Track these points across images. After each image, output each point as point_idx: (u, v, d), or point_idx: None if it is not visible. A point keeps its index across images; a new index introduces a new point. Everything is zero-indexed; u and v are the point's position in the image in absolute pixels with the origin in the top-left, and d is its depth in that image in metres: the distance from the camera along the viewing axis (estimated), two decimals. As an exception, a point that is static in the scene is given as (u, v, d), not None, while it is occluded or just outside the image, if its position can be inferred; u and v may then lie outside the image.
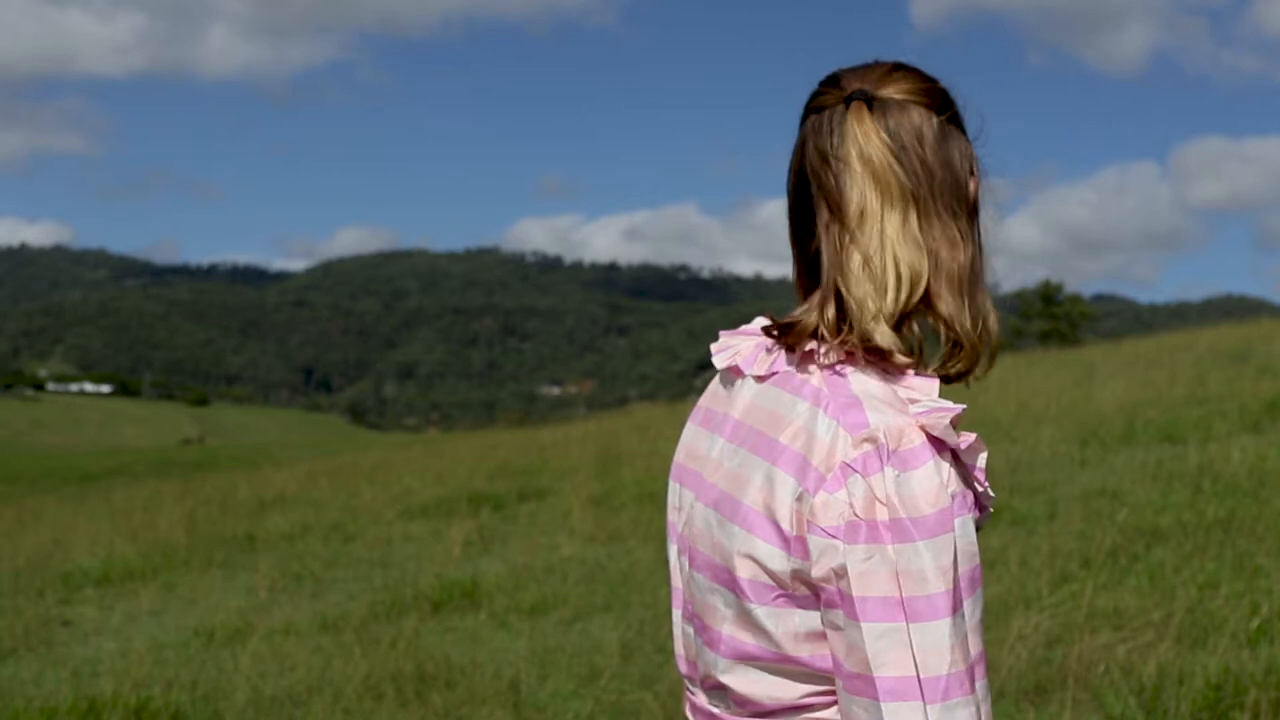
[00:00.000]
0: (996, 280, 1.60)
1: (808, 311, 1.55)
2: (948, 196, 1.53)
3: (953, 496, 1.40)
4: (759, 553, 1.50)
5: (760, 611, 1.52)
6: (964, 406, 1.46)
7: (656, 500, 11.01)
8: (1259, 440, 10.39)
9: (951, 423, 1.43)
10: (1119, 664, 5.50)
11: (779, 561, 1.49)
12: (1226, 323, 25.25)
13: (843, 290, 1.50)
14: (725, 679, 1.60)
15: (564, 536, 10.34)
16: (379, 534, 11.67)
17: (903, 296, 1.50)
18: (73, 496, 21.31)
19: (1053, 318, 56.24)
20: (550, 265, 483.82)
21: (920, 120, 1.53)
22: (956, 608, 1.37)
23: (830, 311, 1.51)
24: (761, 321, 1.68)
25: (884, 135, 1.52)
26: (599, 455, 14.78)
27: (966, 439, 1.44)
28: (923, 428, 1.42)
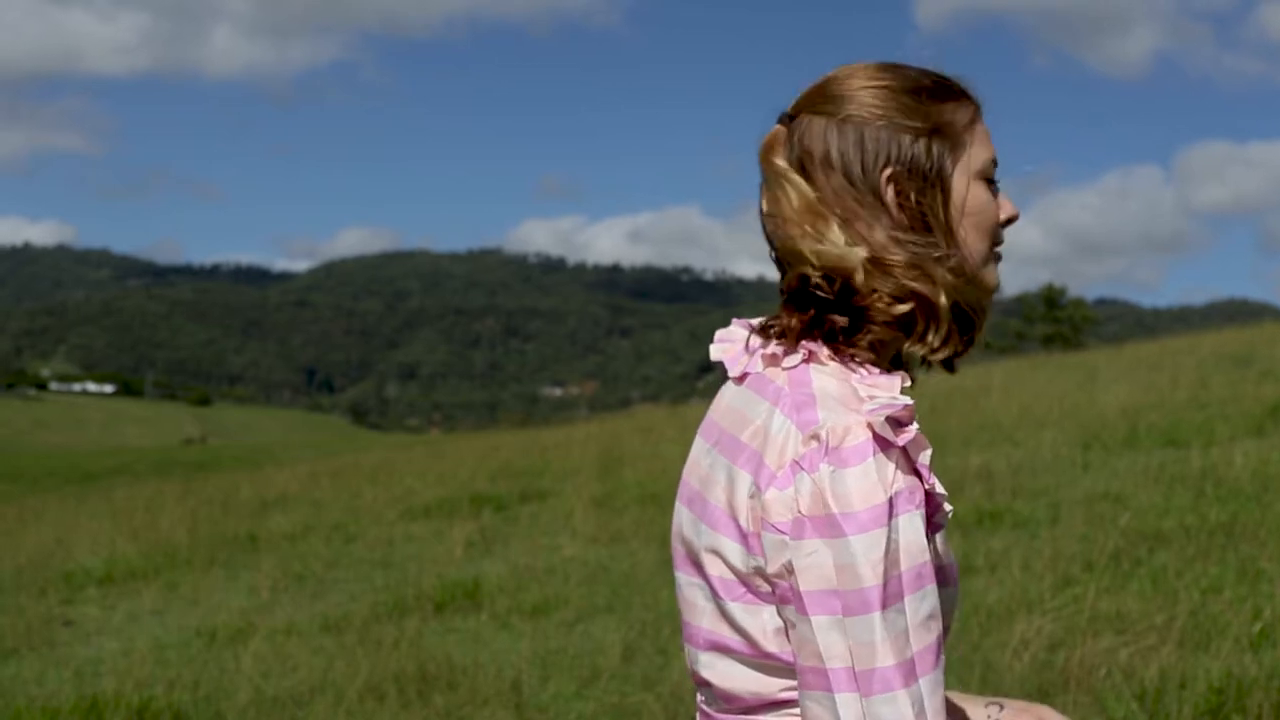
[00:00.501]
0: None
1: (783, 313, 1.63)
2: (856, 192, 1.58)
3: (896, 493, 1.43)
4: (723, 549, 1.55)
5: (733, 607, 1.56)
6: (910, 401, 1.48)
7: (659, 502, 11.01)
8: (1262, 444, 10.38)
9: (896, 419, 1.45)
10: (1121, 668, 5.50)
11: (740, 558, 1.53)
12: (1229, 326, 25.21)
13: (813, 278, 1.56)
14: (706, 674, 1.63)
15: (566, 538, 10.34)
16: (381, 534, 11.68)
17: (852, 276, 1.54)
18: (74, 496, 21.33)
19: (1055, 321, 56.28)
20: (553, 266, 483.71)
21: (819, 130, 1.60)
22: (889, 602, 1.40)
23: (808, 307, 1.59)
24: (757, 320, 1.73)
25: (789, 153, 1.62)
26: (601, 456, 14.78)
27: (905, 435, 1.45)
28: (869, 425, 1.45)
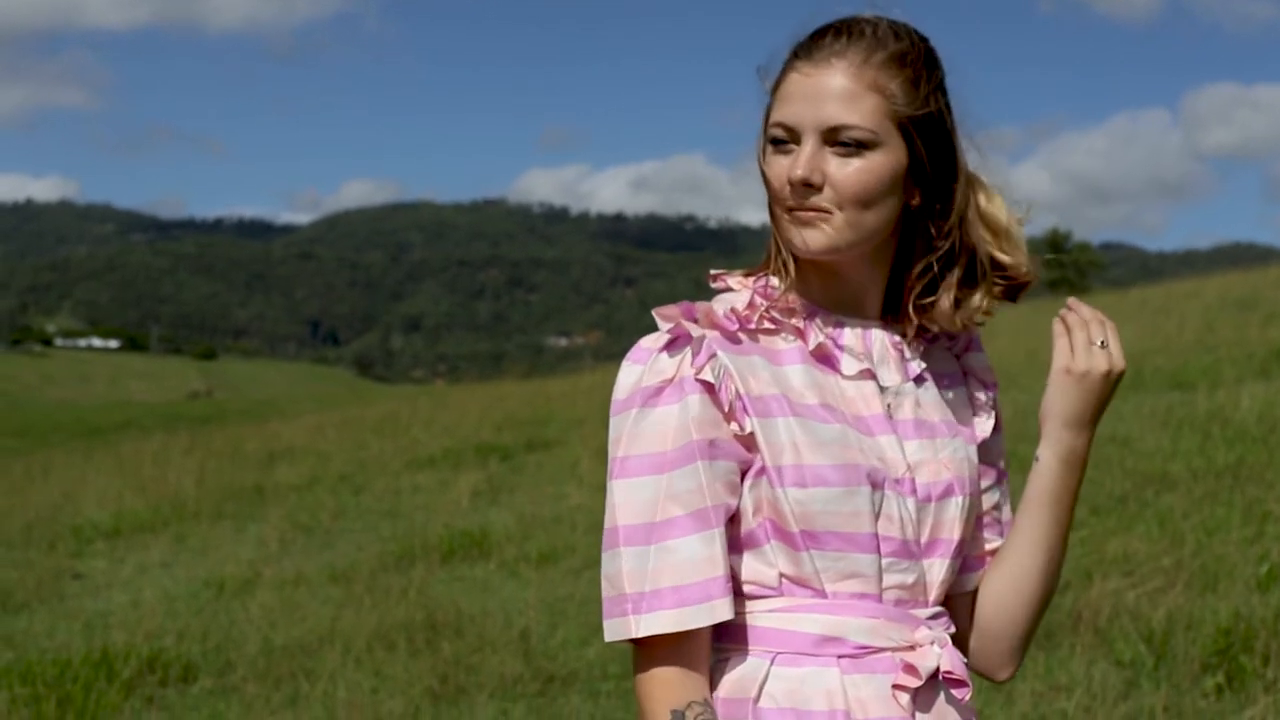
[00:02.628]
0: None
1: None
2: None
3: (664, 383, 1.61)
4: None
5: None
6: (689, 304, 1.67)
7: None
8: (1268, 387, 10.36)
9: (674, 317, 1.64)
10: (1129, 610, 5.51)
11: None
12: (1235, 270, 25.04)
13: None
14: None
15: (572, 486, 10.35)
16: (387, 485, 11.70)
17: None
18: (82, 450, 21.34)
19: (1060, 266, 56.07)
20: (557, 216, 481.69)
21: None
22: (621, 474, 1.60)
23: None
24: None
25: None
26: (606, 405, 14.74)
27: (676, 331, 1.63)
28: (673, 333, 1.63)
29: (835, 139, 1.64)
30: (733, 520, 1.63)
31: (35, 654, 6.65)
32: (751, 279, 1.75)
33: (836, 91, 1.64)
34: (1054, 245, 57.68)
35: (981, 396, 1.86)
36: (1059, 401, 1.74)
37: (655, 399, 1.61)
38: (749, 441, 1.62)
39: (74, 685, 5.97)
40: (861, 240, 1.67)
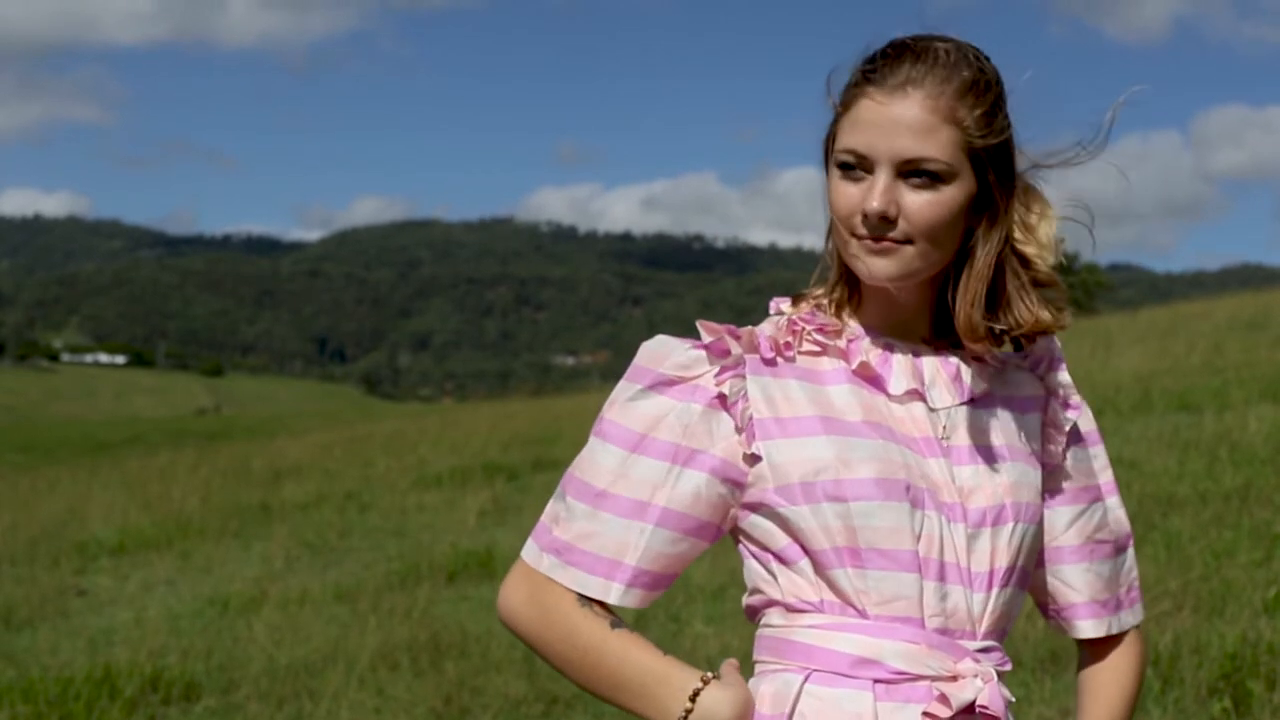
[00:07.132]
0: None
1: None
2: None
3: (673, 379, 1.64)
4: None
5: None
6: (734, 327, 1.69)
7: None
8: (1276, 409, 10.32)
9: (716, 331, 1.67)
10: (1135, 634, 5.47)
11: None
12: (1244, 292, 25.00)
13: None
14: None
15: (578, 506, 10.33)
16: (394, 504, 11.69)
17: None
18: (88, 466, 21.35)
19: (1068, 286, 55.95)
20: (565, 235, 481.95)
21: None
22: (598, 433, 1.69)
23: None
24: None
25: None
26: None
27: (716, 346, 1.66)
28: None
29: (910, 170, 1.60)
30: (756, 538, 1.66)
31: (38, 671, 6.64)
32: (803, 302, 1.75)
33: (912, 123, 1.59)
34: (1062, 266, 57.76)
35: (1063, 417, 1.82)
36: None
37: (664, 388, 1.64)
38: (753, 462, 1.62)
39: (76, 703, 5.96)
40: (928, 269, 1.66)
